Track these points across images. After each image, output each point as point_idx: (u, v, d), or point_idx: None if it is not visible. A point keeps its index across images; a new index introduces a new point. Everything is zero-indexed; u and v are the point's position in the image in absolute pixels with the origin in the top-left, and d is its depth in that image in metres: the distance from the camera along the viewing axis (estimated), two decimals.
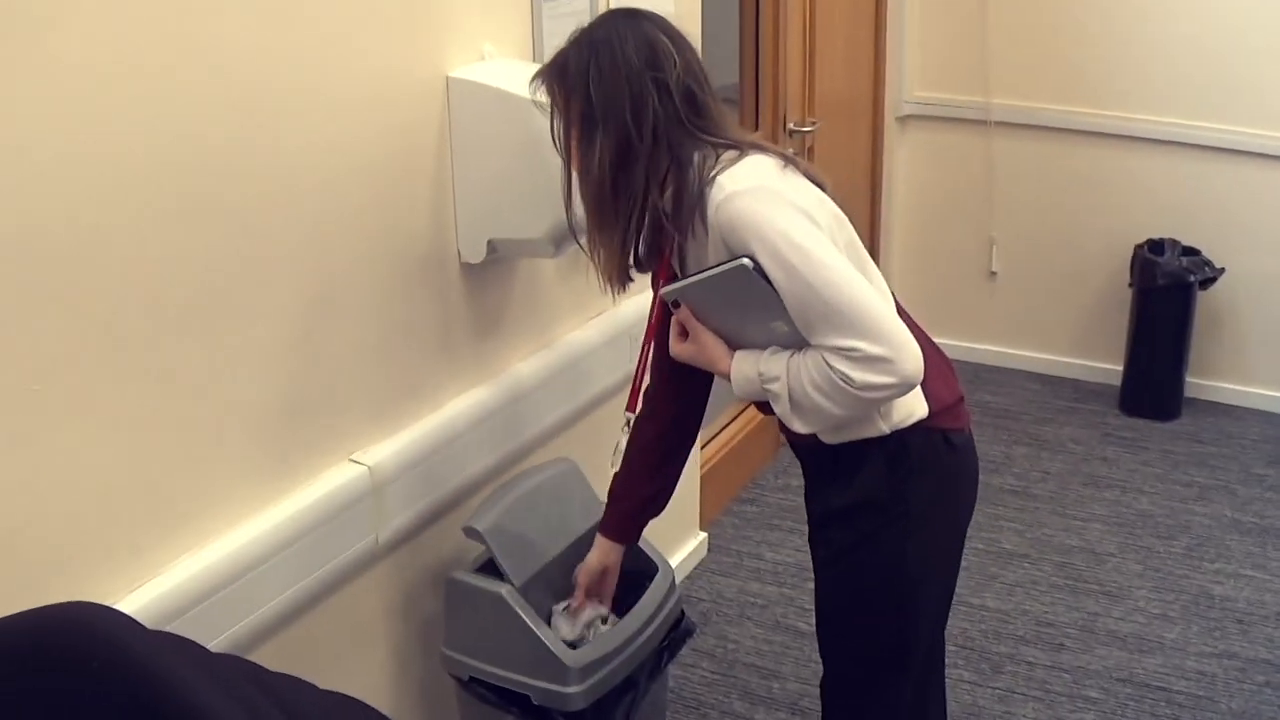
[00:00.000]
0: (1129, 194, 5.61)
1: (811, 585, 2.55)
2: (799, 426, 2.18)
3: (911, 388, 2.11)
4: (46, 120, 1.77)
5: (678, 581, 2.96)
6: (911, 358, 2.05)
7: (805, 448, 2.40)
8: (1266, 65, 5.25)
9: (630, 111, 2.14)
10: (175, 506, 2.08)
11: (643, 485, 2.60)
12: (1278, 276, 5.46)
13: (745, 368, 2.21)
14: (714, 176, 2.13)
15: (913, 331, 2.12)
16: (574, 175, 2.25)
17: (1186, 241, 5.45)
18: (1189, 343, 5.46)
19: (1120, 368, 5.63)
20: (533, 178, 2.52)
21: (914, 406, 2.26)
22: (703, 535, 4.18)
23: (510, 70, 2.62)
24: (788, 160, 2.20)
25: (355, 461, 2.45)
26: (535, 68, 2.29)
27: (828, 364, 2.06)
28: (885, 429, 2.26)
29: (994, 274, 5.86)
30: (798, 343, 2.13)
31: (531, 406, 2.91)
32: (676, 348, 2.31)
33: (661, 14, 2.25)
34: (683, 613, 2.83)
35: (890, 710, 2.55)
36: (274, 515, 2.25)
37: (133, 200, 1.91)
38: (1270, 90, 5.28)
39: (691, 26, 3.47)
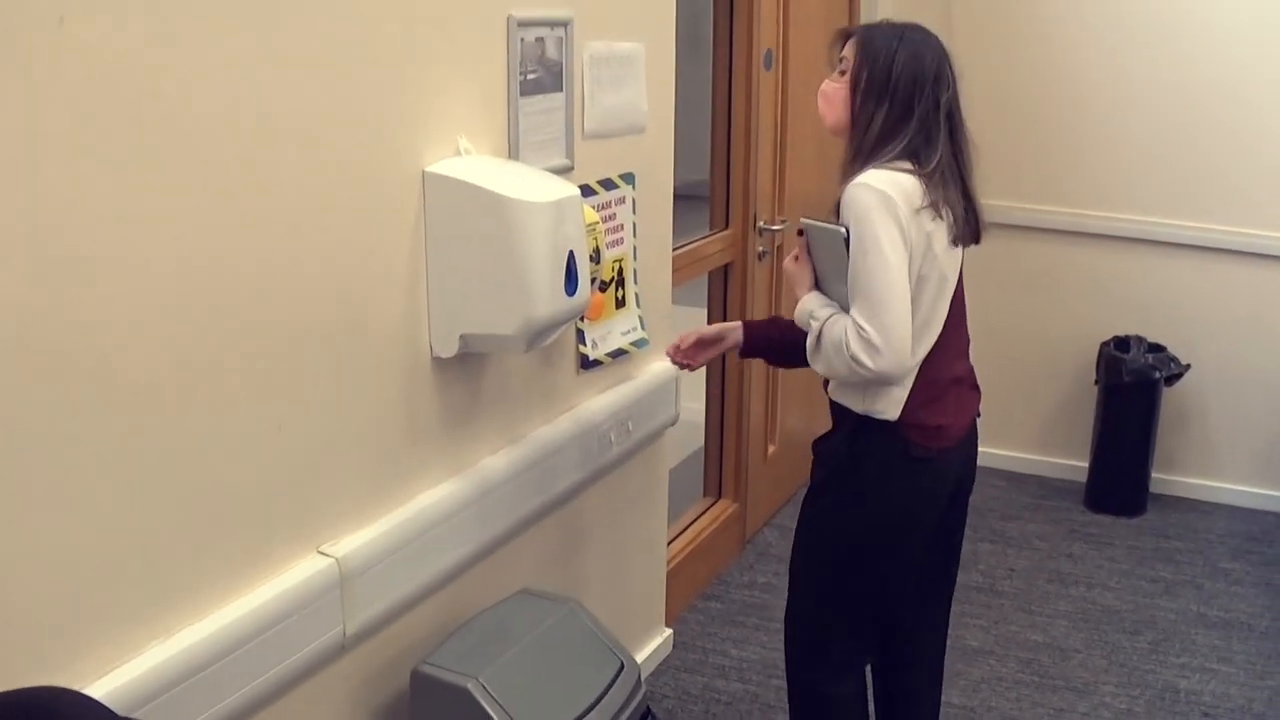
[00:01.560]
0: (1095, 291, 5.69)
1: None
2: (814, 363, 2.81)
3: (887, 381, 2.74)
4: (35, 220, 1.79)
5: (643, 678, 2.97)
6: (896, 361, 2.66)
7: (830, 399, 2.96)
8: (1229, 163, 5.36)
9: (916, 101, 2.78)
10: (145, 593, 2.08)
11: (787, 329, 3.11)
12: (1242, 372, 5.53)
13: (809, 302, 2.84)
14: (877, 166, 2.74)
15: (954, 374, 2.92)
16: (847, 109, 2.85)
17: (1152, 338, 5.51)
18: (1155, 439, 5.51)
19: (1086, 464, 5.67)
20: (506, 274, 2.55)
21: (886, 406, 2.80)
22: (668, 632, 4.18)
23: (486, 166, 2.66)
24: (933, 205, 2.75)
25: (324, 553, 2.45)
26: (512, 163, 2.39)
27: (847, 329, 2.67)
28: (858, 409, 2.83)
29: None
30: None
31: (500, 501, 2.93)
32: (789, 264, 2.97)
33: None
34: (648, 709, 2.83)
35: (830, 661, 3.04)
36: (243, 605, 2.25)
37: (101, 289, 1.93)
38: (1233, 187, 5.38)
39: (665, 121, 3.53)
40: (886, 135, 2.79)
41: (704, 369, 4.68)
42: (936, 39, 2.90)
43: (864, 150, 2.81)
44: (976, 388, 3.06)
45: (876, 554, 2.95)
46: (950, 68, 2.87)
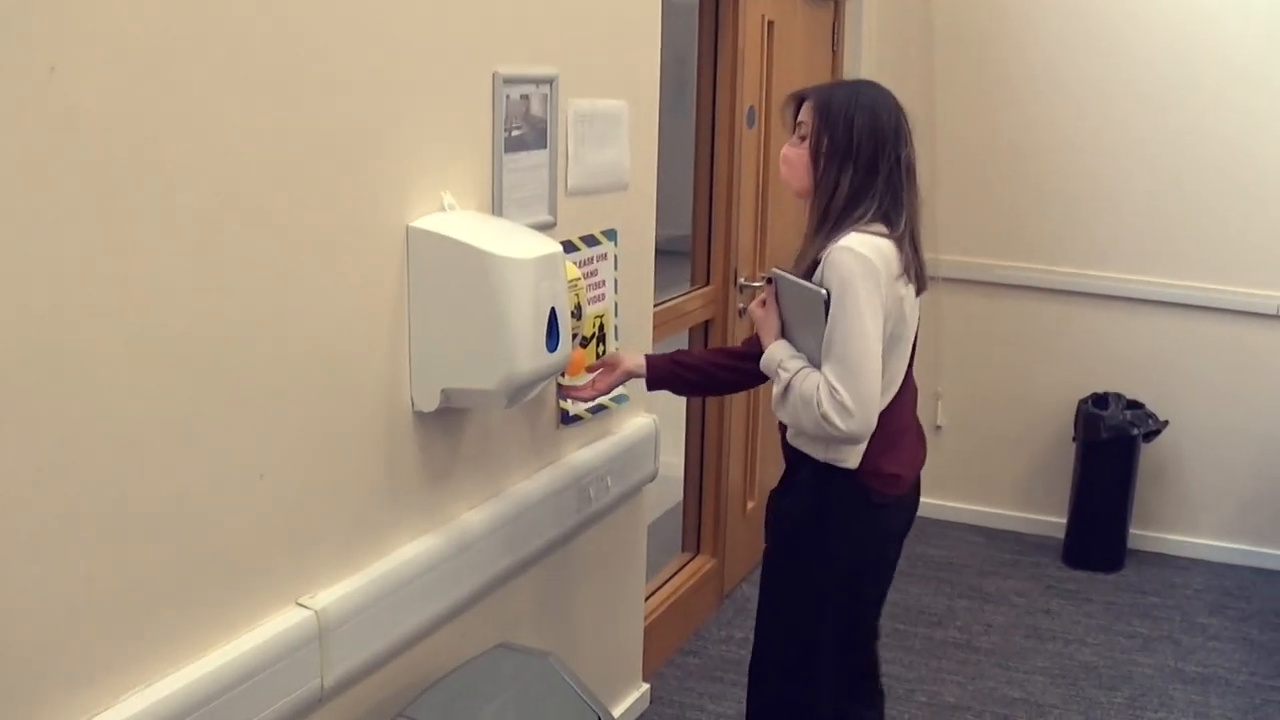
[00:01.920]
0: (1073, 349, 5.72)
1: None
2: (778, 411, 2.92)
3: (853, 442, 2.84)
4: (21, 268, 1.81)
5: None
6: (864, 426, 2.77)
7: (784, 444, 3.07)
8: (1207, 220, 5.42)
9: (880, 162, 2.86)
10: (123, 643, 2.08)
11: (693, 358, 3.33)
12: (1220, 428, 5.57)
13: (777, 351, 2.93)
14: (856, 231, 2.81)
15: (905, 422, 3.02)
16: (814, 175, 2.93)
17: (1130, 395, 5.55)
18: (1133, 494, 5.54)
19: (1064, 520, 5.69)
20: (488, 329, 2.57)
21: (848, 455, 2.90)
22: (645, 686, 4.18)
23: (470, 222, 2.68)
24: (905, 269, 2.86)
25: (303, 605, 2.45)
26: (496, 219, 2.44)
27: (818, 386, 2.77)
28: (820, 457, 2.93)
29: (939, 428, 5.93)
30: (819, 364, 2.82)
31: (479, 555, 2.93)
32: (755, 309, 3.05)
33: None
34: None
35: (800, 686, 3.11)
36: (220, 656, 2.25)
37: (85, 338, 1.94)
38: (1210, 244, 5.44)
39: (647, 178, 3.56)
40: (854, 198, 2.87)
41: (684, 424, 4.71)
42: (890, 94, 2.97)
43: (833, 214, 2.88)
44: (923, 437, 3.20)
45: (850, 597, 3.06)
46: (906, 121, 2.94)
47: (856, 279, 2.75)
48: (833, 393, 2.74)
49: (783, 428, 3.05)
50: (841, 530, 2.98)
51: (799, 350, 2.91)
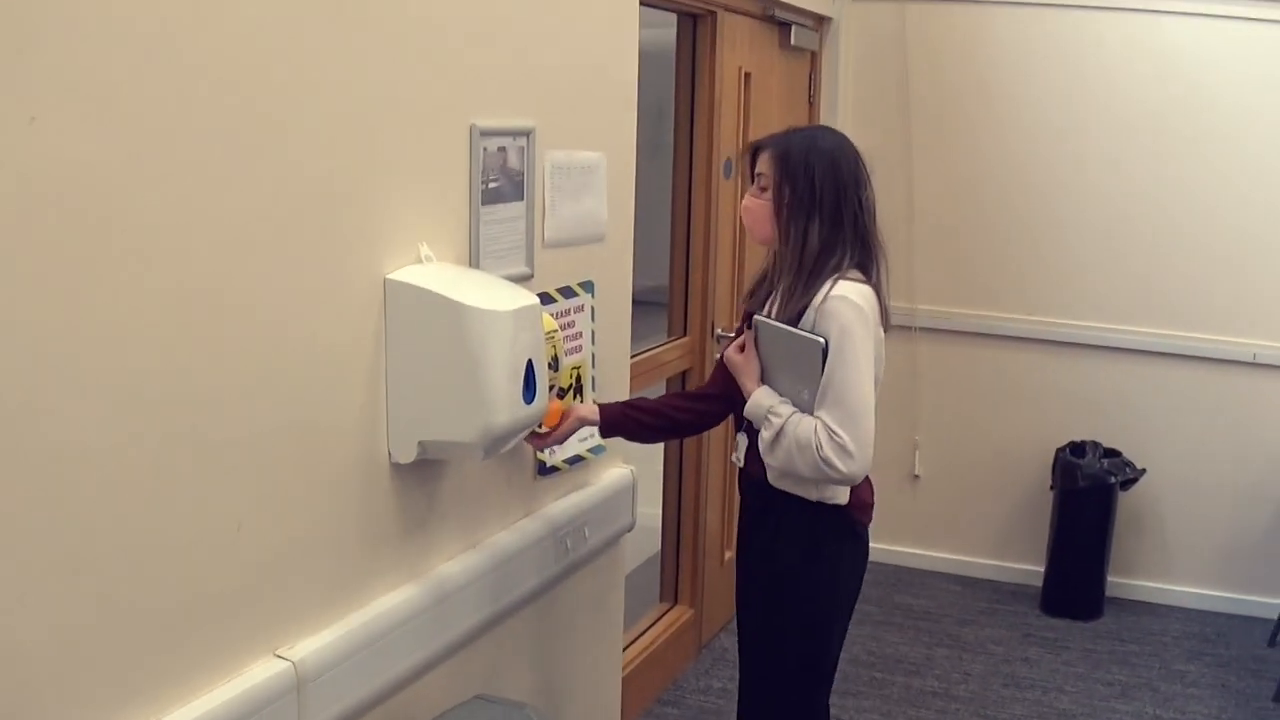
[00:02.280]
0: (1050, 397, 5.75)
1: None
2: (767, 456, 2.96)
3: (851, 483, 2.95)
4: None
5: None
6: (863, 468, 2.88)
7: (755, 487, 3.13)
8: (1182, 269, 5.47)
9: (843, 208, 2.93)
10: (98, 694, 2.07)
11: (648, 402, 3.31)
12: (1197, 475, 5.60)
13: (764, 397, 3.00)
14: (840, 279, 2.91)
15: None
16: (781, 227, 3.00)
17: (1107, 443, 5.58)
18: (1110, 542, 5.56)
19: (1041, 568, 5.70)
20: (465, 381, 2.57)
21: (838, 493, 3.01)
22: None
23: (447, 274, 2.69)
24: (880, 307, 2.97)
25: (281, 657, 2.44)
26: (473, 271, 2.48)
27: (816, 431, 2.84)
28: (812, 498, 3.00)
29: (917, 477, 5.95)
30: (805, 409, 2.91)
31: (457, 606, 2.93)
32: (733, 355, 3.11)
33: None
34: None
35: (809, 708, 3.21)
36: (197, 708, 2.24)
37: (59, 386, 1.95)
38: (1187, 292, 5.48)
39: (624, 229, 3.58)
40: (826, 248, 2.95)
41: (661, 474, 4.72)
42: (845, 138, 3.05)
43: (807, 265, 2.96)
44: None
45: (845, 625, 3.21)
46: (863, 165, 3.02)
47: (855, 326, 2.86)
48: (832, 435, 2.83)
49: (751, 474, 3.13)
50: (837, 563, 3.10)
51: (781, 395, 2.99)
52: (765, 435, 2.97)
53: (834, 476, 2.88)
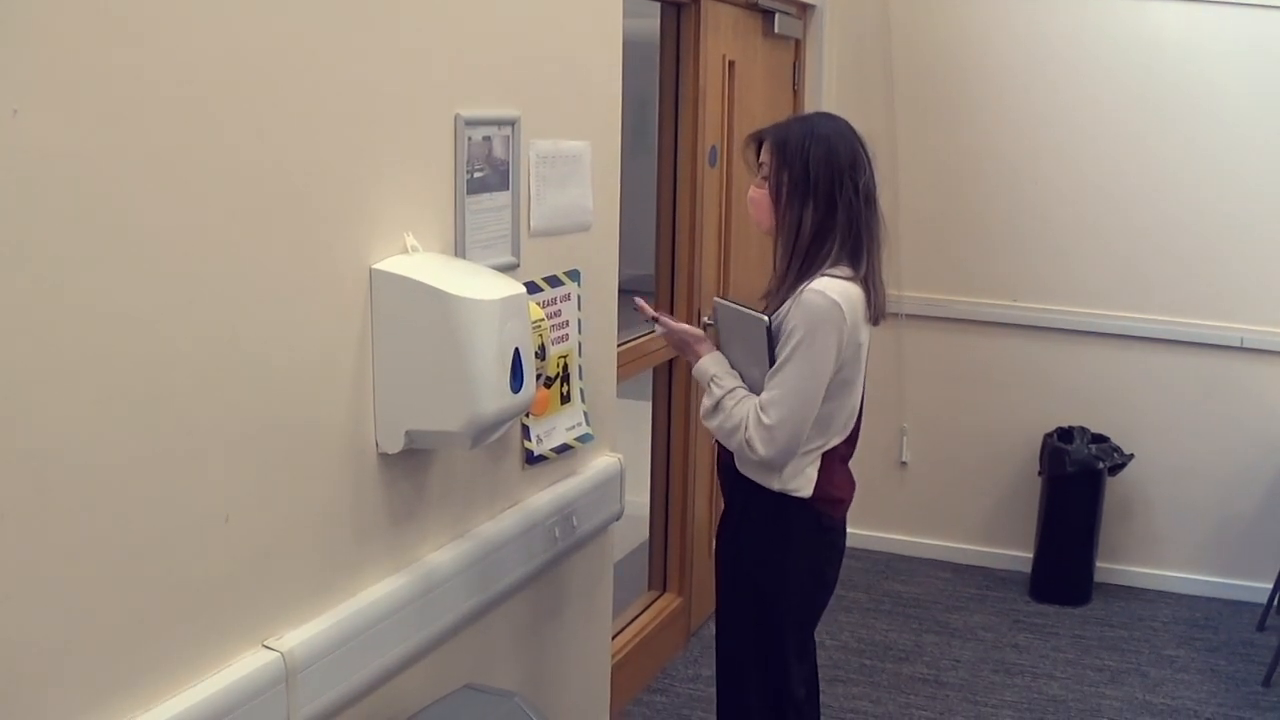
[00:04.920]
0: (1038, 383, 5.76)
1: None
2: (706, 420, 3.09)
3: (769, 464, 3.00)
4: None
5: None
6: (781, 452, 2.95)
7: (725, 470, 3.22)
8: (1171, 254, 5.48)
9: (837, 194, 2.94)
10: (85, 686, 2.07)
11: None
12: (1185, 460, 5.61)
13: (710, 364, 3.13)
14: (825, 273, 2.95)
15: (851, 452, 3.15)
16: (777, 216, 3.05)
17: (1095, 429, 5.59)
18: (1099, 528, 5.57)
19: (1030, 555, 5.72)
20: (452, 371, 2.57)
21: (801, 485, 3.05)
22: None
23: (433, 264, 2.68)
24: (869, 306, 2.99)
25: (269, 647, 2.44)
26: (459, 261, 2.47)
27: (750, 411, 2.96)
28: (775, 488, 3.06)
29: (904, 464, 5.96)
30: (753, 384, 3.03)
31: (445, 596, 2.93)
32: (671, 322, 3.26)
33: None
34: None
35: (773, 672, 3.22)
36: (185, 700, 2.23)
37: (45, 380, 1.94)
38: (1172, 278, 5.49)
39: (610, 218, 3.58)
40: (818, 235, 2.99)
41: (649, 462, 4.72)
42: (846, 123, 3.05)
43: (799, 253, 3.01)
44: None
45: (806, 618, 3.25)
46: (864, 149, 3.03)
47: (821, 322, 2.91)
48: (760, 419, 2.94)
49: (724, 459, 3.22)
50: (800, 558, 3.13)
51: (731, 368, 3.12)
52: (706, 403, 3.09)
53: (751, 457, 2.98)
